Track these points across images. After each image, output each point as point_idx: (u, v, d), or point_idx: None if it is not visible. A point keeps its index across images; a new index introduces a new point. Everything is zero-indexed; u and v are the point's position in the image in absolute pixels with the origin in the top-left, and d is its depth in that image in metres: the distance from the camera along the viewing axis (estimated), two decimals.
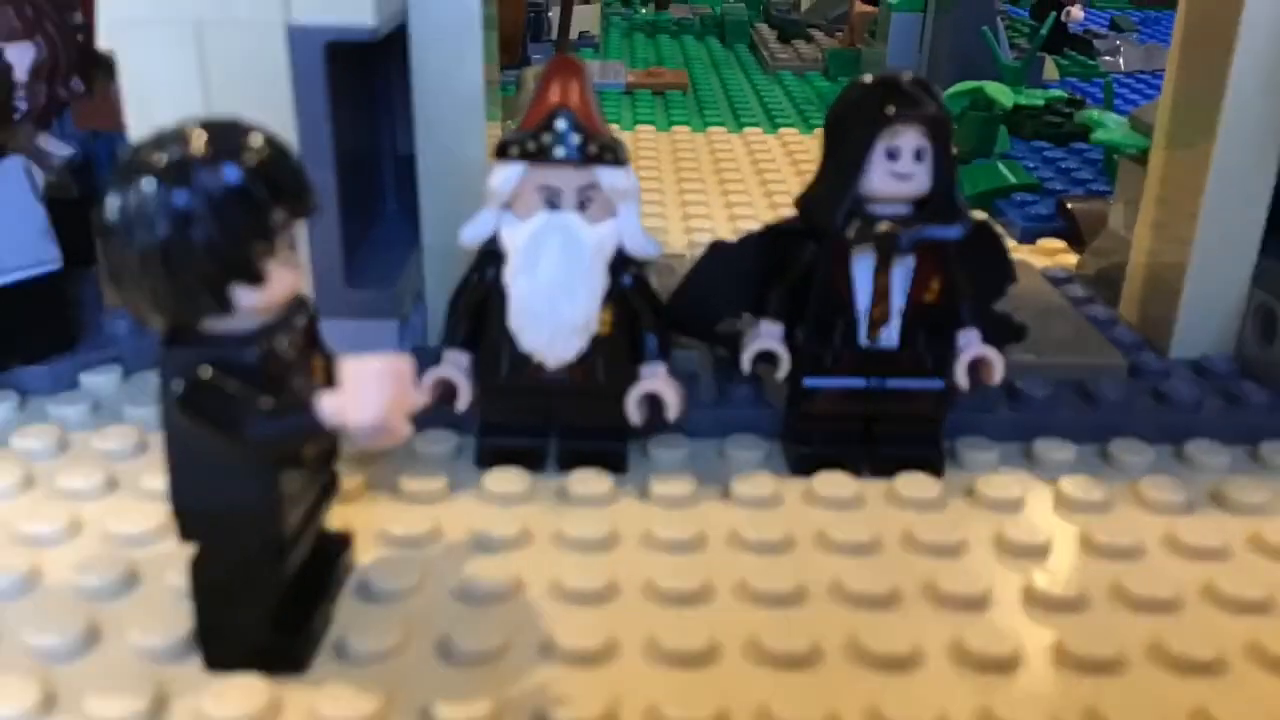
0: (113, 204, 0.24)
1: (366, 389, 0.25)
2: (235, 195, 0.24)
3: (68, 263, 0.40)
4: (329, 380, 0.29)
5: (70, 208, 0.40)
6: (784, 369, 0.36)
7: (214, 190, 0.24)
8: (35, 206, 0.40)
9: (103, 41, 0.35)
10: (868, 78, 0.35)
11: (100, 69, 0.41)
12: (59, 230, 0.40)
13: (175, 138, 0.24)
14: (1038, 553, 0.33)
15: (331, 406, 0.25)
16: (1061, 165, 0.71)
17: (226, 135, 0.24)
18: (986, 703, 0.27)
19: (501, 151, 0.33)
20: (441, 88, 0.39)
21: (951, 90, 0.69)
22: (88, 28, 0.37)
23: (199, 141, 0.24)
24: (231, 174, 0.24)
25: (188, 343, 0.25)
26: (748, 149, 0.79)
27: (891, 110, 0.33)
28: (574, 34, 1.07)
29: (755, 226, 0.39)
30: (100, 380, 0.40)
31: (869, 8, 1.02)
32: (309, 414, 0.25)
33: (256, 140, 0.25)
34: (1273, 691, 0.28)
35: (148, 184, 0.23)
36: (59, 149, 0.42)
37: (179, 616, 0.28)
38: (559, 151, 0.33)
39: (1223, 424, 0.39)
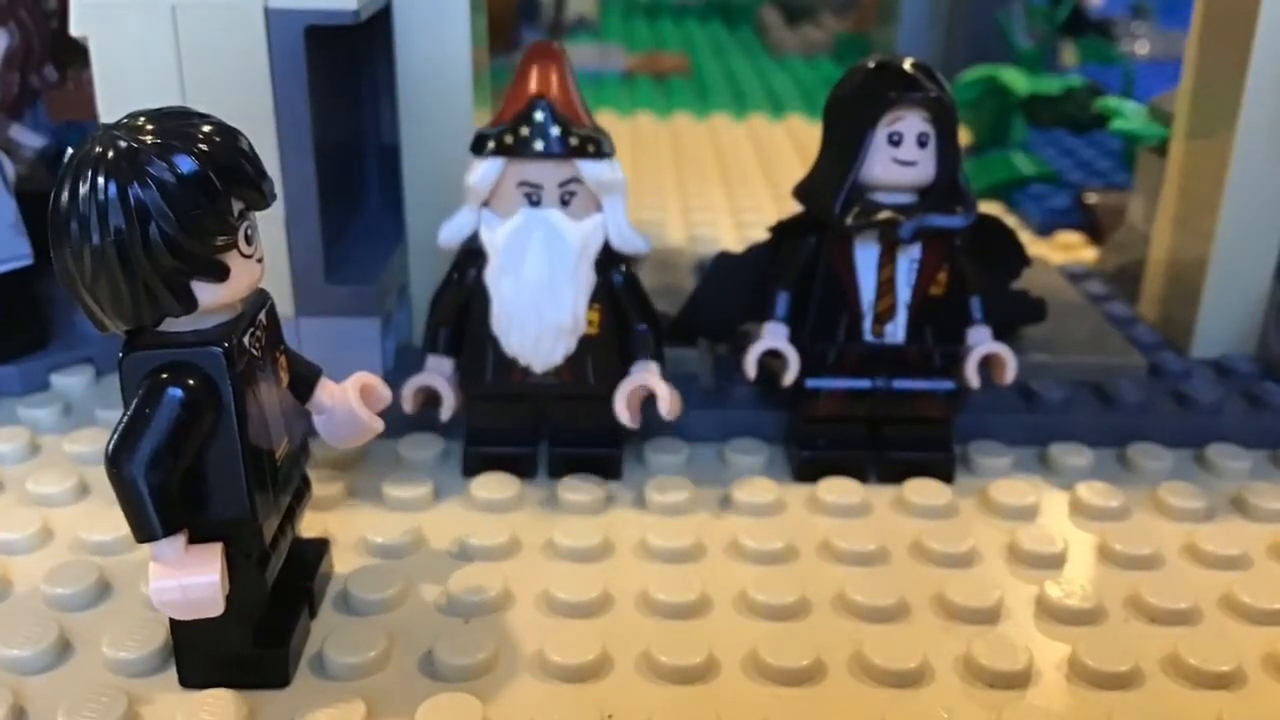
0: (63, 202, 0.23)
1: (201, 580, 0.24)
2: (191, 186, 0.23)
3: (40, 258, 0.39)
4: (292, 378, 0.28)
5: (43, 201, 0.39)
6: (792, 370, 0.34)
7: (168, 182, 0.23)
8: (6, 199, 0.39)
9: (75, 28, 0.34)
10: (869, 60, 0.34)
11: (74, 57, 0.40)
12: (31, 224, 0.39)
13: (125, 129, 0.23)
14: (1052, 562, 0.32)
15: (163, 572, 0.24)
16: (1080, 156, 0.69)
17: (178, 124, 0.23)
18: (997, 719, 0.26)
19: (477, 146, 0.32)
20: (426, 73, 0.37)
21: (964, 77, 0.67)
22: (62, 14, 0.36)
23: (150, 131, 0.23)
24: (186, 164, 0.23)
25: (148, 346, 0.24)
26: (751, 136, 0.77)
27: (894, 93, 0.32)
28: (570, 16, 1.06)
29: (759, 218, 0.38)
30: (72, 381, 0.40)
31: None
32: (153, 531, 0.23)
33: (209, 128, 0.24)
34: None
35: (99, 178, 0.22)
36: (32, 140, 0.41)
37: (152, 628, 0.27)
38: (538, 145, 0.32)
39: (1245, 427, 0.38)
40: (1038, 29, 0.75)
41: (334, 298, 0.36)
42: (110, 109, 0.34)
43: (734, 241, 0.55)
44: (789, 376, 0.35)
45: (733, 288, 0.37)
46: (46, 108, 0.41)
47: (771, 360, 0.35)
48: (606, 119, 0.79)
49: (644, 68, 0.94)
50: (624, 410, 0.34)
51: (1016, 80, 0.66)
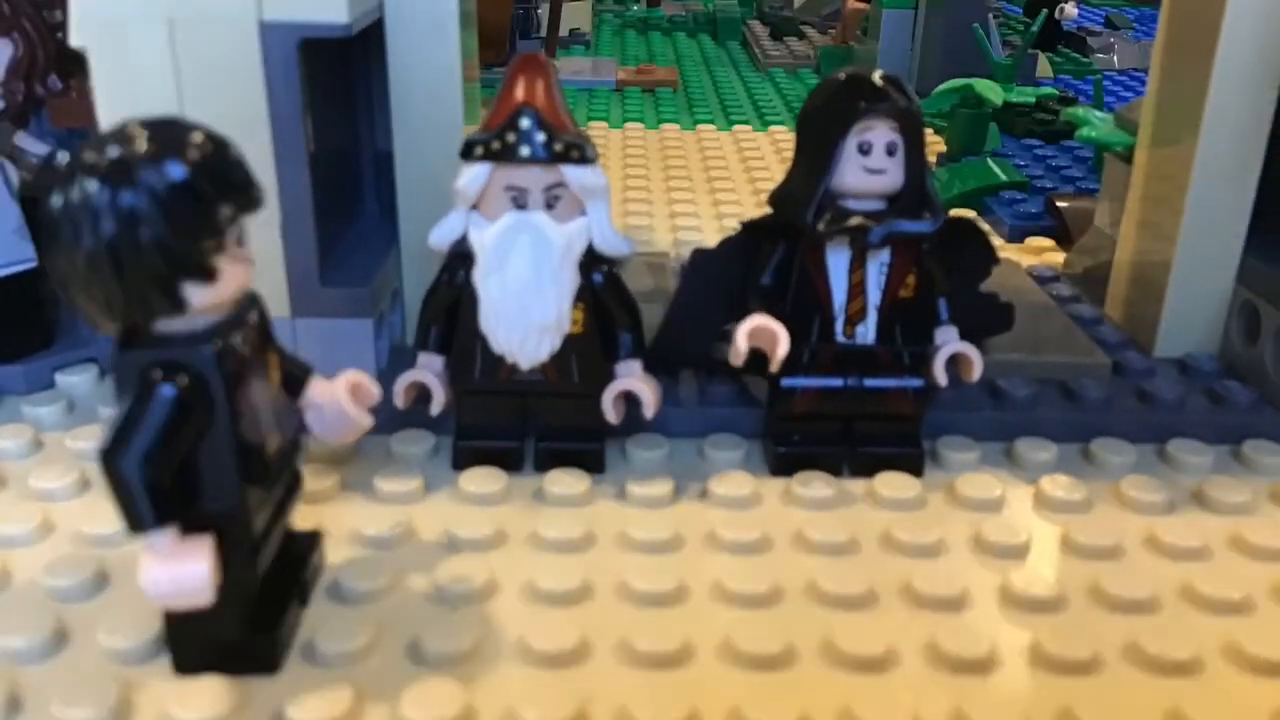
0: (57, 207, 0.23)
1: (192, 570, 0.25)
2: (181, 192, 0.24)
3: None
4: (284, 376, 0.28)
5: None
6: (783, 345, 0.33)
7: (159, 188, 0.23)
8: (11, 205, 0.40)
9: (75, 39, 0.35)
10: (840, 73, 0.35)
11: (77, 66, 0.41)
12: (35, 229, 0.40)
13: (117, 137, 0.24)
14: (1016, 553, 0.33)
15: (155, 563, 0.25)
16: (1052, 163, 0.71)
17: (168, 133, 0.24)
18: (960, 704, 0.27)
19: (466, 152, 0.33)
20: (418, 84, 0.38)
21: (941, 88, 0.69)
22: (66, 25, 0.37)
23: (141, 140, 0.24)
24: (176, 171, 0.24)
25: (141, 345, 0.25)
26: (737, 147, 0.78)
27: (863, 104, 0.33)
28: (565, 31, 1.07)
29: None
30: (75, 380, 0.40)
31: (861, 4, 1.02)
32: (146, 524, 0.24)
33: (198, 137, 0.24)
34: (1247, 691, 0.28)
35: (91, 185, 0.23)
36: (36, 147, 0.42)
37: (148, 617, 0.28)
38: (524, 151, 0.33)
39: (1206, 423, 0.39)
40: (1013, 42, 0.76)
41: (329, 300, 0.37)
42: (109, 119, 0.35)
43: None
44: (780, 350, 0.34)
45: (713, 291, 0.37)
46: (49, 114, 0.42)
47: (760, 333, 0.34)
48: (598, 131, 0.81)
49: (636, 80, 0.96)
50: (611, 411, 0.35)
51: (992, 91, 0.67)
